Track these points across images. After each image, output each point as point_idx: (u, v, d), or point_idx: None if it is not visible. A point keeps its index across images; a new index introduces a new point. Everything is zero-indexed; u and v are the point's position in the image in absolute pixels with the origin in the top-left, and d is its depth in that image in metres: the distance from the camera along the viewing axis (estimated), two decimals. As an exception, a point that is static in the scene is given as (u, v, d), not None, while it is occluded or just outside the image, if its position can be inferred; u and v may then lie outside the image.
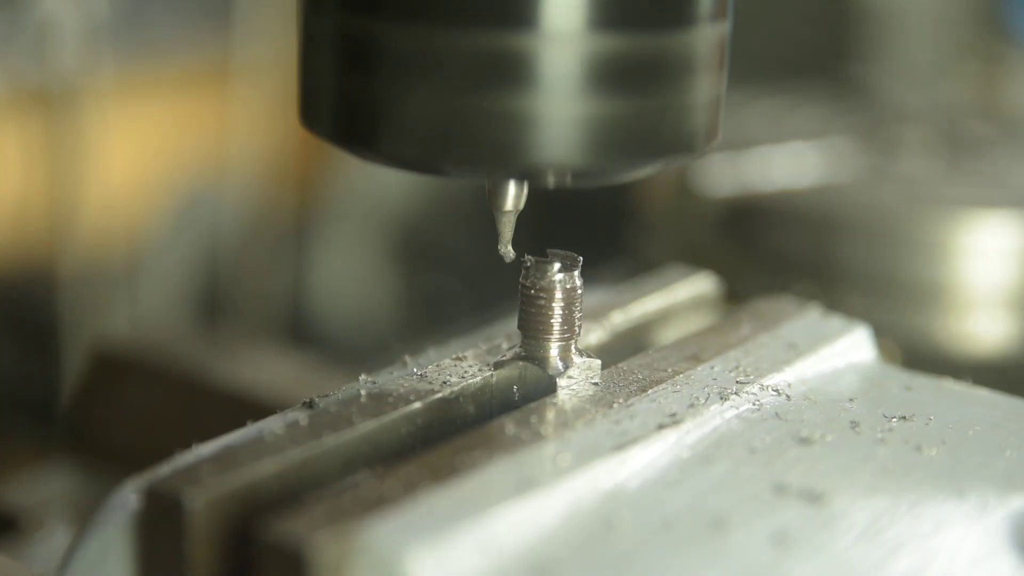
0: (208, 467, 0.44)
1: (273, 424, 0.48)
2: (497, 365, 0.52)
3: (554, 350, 0.52)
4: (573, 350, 0.52)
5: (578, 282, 0.52)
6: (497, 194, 0.50)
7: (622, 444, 0.47)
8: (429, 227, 1.77)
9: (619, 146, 0.48)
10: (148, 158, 1.56)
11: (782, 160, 0.91)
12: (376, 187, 1.75)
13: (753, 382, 0.53)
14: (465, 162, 0.48)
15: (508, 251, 0.51)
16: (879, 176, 0.93)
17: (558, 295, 0.51)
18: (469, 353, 0.54)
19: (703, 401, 0.51)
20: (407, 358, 0.54)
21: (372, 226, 1.77)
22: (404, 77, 0.47)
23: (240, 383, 0.75)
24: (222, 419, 0.74)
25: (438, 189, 1.75)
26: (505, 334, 0.56)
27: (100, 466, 0.76)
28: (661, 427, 0.49)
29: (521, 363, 0.52)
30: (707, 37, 0.49)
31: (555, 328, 0.51)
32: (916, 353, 0.83)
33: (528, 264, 0.52)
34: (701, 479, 0.47)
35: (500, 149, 0.47)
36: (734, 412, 0.51)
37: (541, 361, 0.52)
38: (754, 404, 0.52)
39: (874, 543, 0.44)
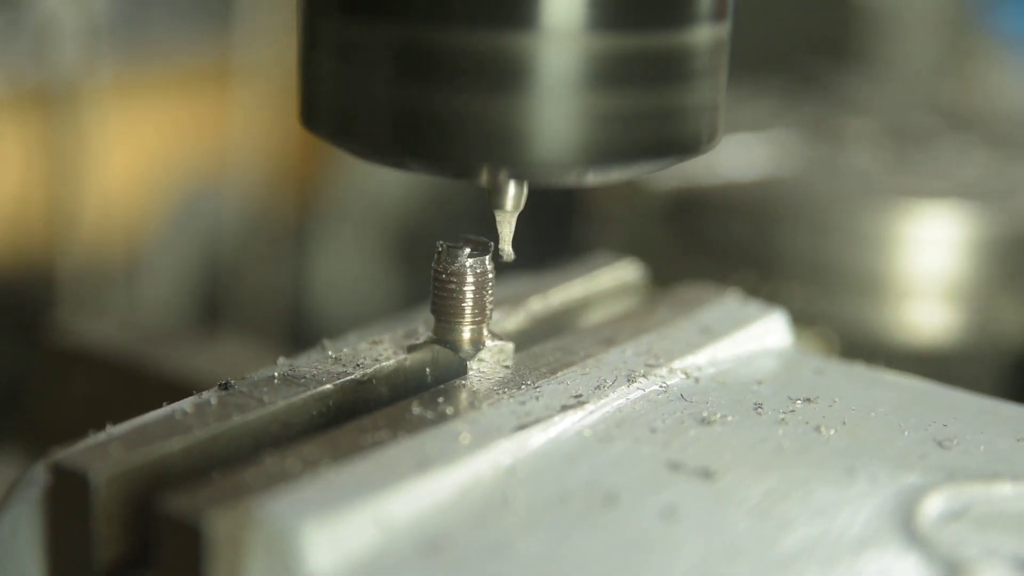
0: (116, 444, 0.46)
1: (184, 404, 0.49)
2: (410, 348, 0.54)
3: (466, 333, 0.53)
4: (485, 333, 0.53)
5: (489, 266, 0.53)
6: (497, 194, 0.51)
7: (524, 424, 0.48)
8: (429, 227, 1.77)
9: (619, 146, 0.48)
10: (148, 158, 1.57)
11: (729, 151, 0.93)
12: (376, 187, 1.75)
13: (663, 364, 0.54)
14: (464, 162, 0.48)
15: (508, 251, 0.52)
16: (824, 168, 0.94)
17: (469, 279, 0.52)
18: (385, 337, 0.55)
19: (610, 383, 0.52)
20: (325, 342, 0.55)
21: (372, 226, 1.78)
22: (403, 77, 0.47)
23: (186, 371, 0.77)
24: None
25: (438, 189, 1.75)
26: (423, 319, 0.57)
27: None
28: (565, 408, 0.50)
29: (434, 346, 0.53)
30: (707, 37, 0.49)
31: (466, 312, 0.53)
32: (856, 342, 0.85)
33: (440, 249, 0.53)
34: (599, 457, 0.48)
35: (500, 149, 0.47)
36: (640, 393, 0.52)
37: (453, 344, 0.53)
38: (661, 386, 0.53)
39: (764, 520, 0.45)
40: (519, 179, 0.50)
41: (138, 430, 0.47)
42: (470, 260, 0.52)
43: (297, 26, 0.51)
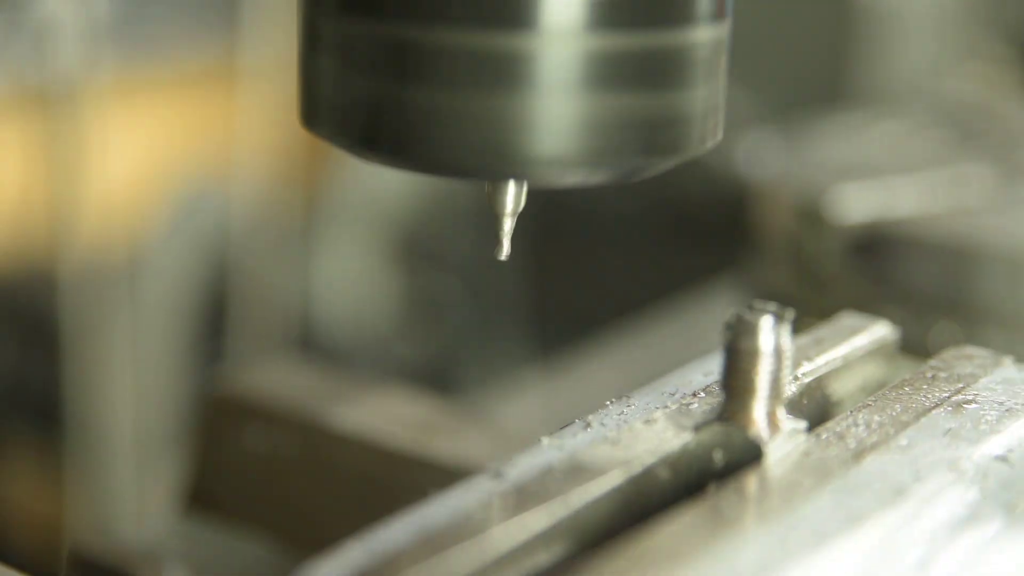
0: (412, 556, 0.40)
1: (466, 499, 0.44)
2: (696, 428, 0.48)
3: (759, 413, 0.48)
4: (779, 413, 0.48)
5: (788, 338, 0.47)
6: (497, 195, 0.50)
7: (852, 521, 0.43)
8: (432, 228, 1.76)
9: (619, 146, 0.47)
10: (149, 158, 1.55)
11: (911, 187, 0.87)
12: (379, 188, 1.75)
13: (971, 446, 0.49)
14: (464, 163, 0.47)
15: (506, 251, 0.51)
16: (1010, 202, 0.88)
17: (768, 355, 0.47)
18: (659, 414, 0.50)
19: (926, 471, 0.47)
20: (590, 418, 0.50)
21: (375, 227, 1.77)
22: (403, 78, 0.47)
23: (361, 427, 0.71)
24: (345, 466, 0.70)
25: (441, 190, 1.74)
26: (692, 390, 0.51)
27: (221, 515, 0.72)
28: (888, 502, 0.44)
29: (723, 427, 0.48)
30: (707, 37, 0.48)
31: (762, 390, 0.47)
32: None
33: (734, 318, 0.47)
34: (944, 563, 0.42)
35: (499, 150, 0.46)
36: (962, 486, 0.47)
37: (744, 424, 0.48)
38: (978, 473, 0.47)
39: None
40: (519, 179, 0.49)
41: (424, 541, 0.41)
42: (771, 334, 0.47)
43: (297, 26, 0.50)
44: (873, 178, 0.87)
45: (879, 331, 0.58)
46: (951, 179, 0.89)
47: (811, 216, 0.86)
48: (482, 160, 0.47)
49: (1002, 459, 0.49)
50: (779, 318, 0.47)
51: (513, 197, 0.50)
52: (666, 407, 0.50)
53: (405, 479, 0.68)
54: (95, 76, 1.38)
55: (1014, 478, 0.48)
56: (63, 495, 1.44)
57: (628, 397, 0.52)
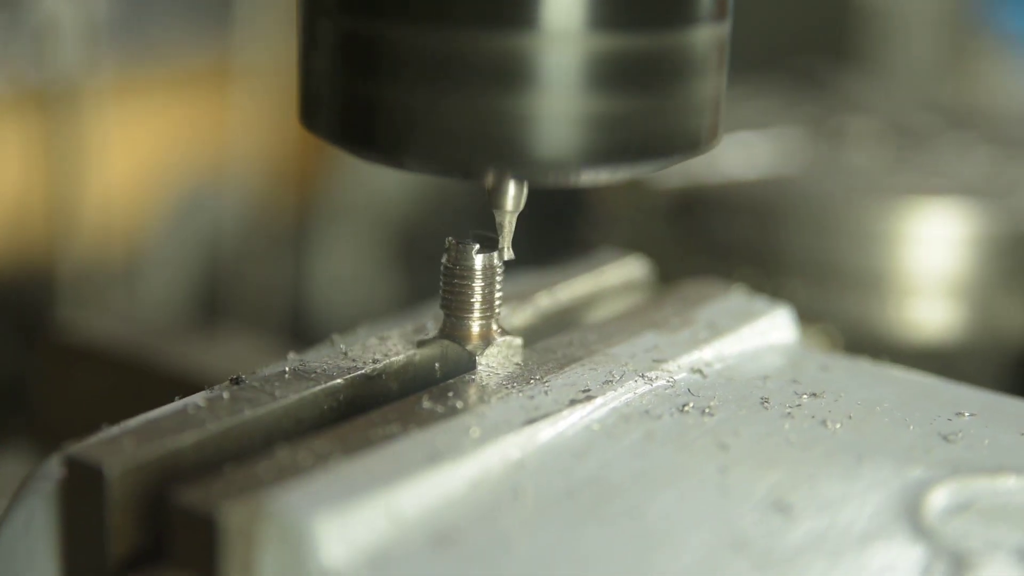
0: (130, 438, 0.46)
1: (196, 398, 0.49)
2: (420, 344, 0.54)
3: (475, 328, 0.53)
4: (494, 328, 0.54)
5: (497, 262, 0.53)
6: (497, 194, 0.51)
7: (533, 418, 0.49)
8: (428, 226, 1.77)
9: (619, 146, 0.48)
10: (148, 158, 1.57)
11: (731, 150, 0.93)
12: (376, 187, 1.75)
13: (669, 360, 0.54)
14: (464, 162, 0.48)
15: (508, 251, 0.53)
16: (826, 167, 0.94)
17: (478, 274, 0.53)
18: (394, 332, 0.55)
19: (618, 378, 0.52)
20: (335, 337, 0.56)
21: (371, 225, 1.78)
22: (403, 77, 0.47)
23: (189, 367, 0.77)
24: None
25: (438, 189, 1.75)
26: (432, 315, 0.57)
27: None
28: (573, 402, 0.50)
29: (443, 341, 0.54)
30: (708, 37, 0.49)
31: (475, 307, 0.53)
32: (859, 340, 0.85)
33: (449, 244, 0.53)
34: (606, 451, 0.48)
35: (499, 149, 0.47)
36: (647, 388, 0.52)
37: (462, 339, 0.53)
38: (668, 381, 0.53)
39: (770, 513, 0.46)
40: (519, 179, 0.51)
41: (151, 424, 0.47)
42: (480, 255, 0.53)
43: (296, 25, 0.51)
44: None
45: (631, 266, 0.64)
46: (768, 142, 0.94)
47: (634, 180, 0.91)
48: (482, 160, 0.48)
49: (696, 371, 0.55)
50: (488, 242, 0.53)
51: (513, 197, 0.51)
52: (404, 327, 0.56)
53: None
54: (94, 76, 1.38)
55: (701, 386, 0.53)
56: None
57: (377, 323, 0.58)
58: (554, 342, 0.55)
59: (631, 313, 0.59)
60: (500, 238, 0.52)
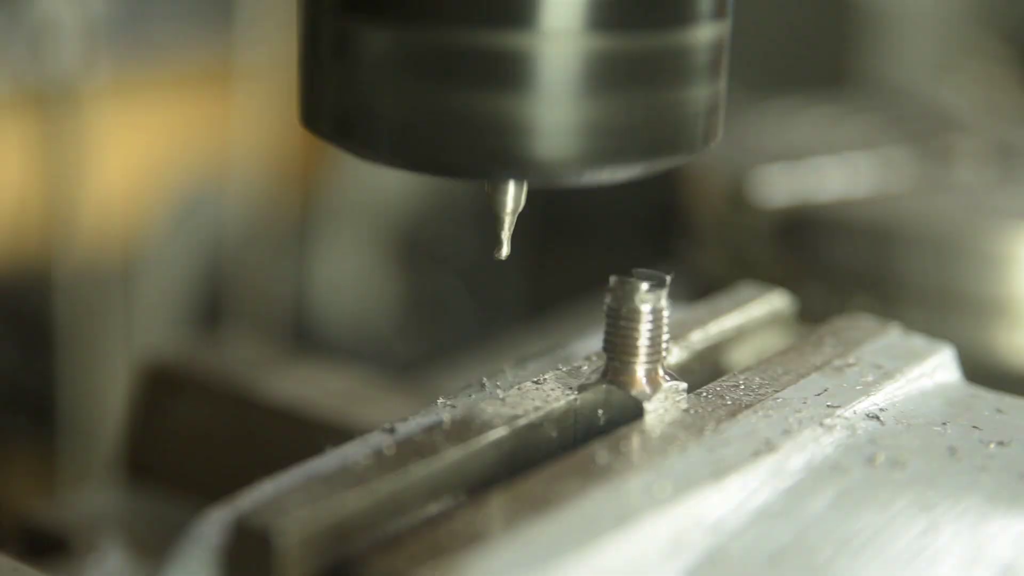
0: (297, 499, 0.43)
1: (357, 452, 0.46)
2: (581, 388, 0.51)
3: (640, 372, 0.50)
4: (660, 372, 0.50)
5: (665, 302, 0.50)
6: (497, 194, 0.50)
7: (719, 473, 0.46)
8: (432, 228, 1.77)
9: (619, 146, 0.47)
10: (147, 159, 1.56)
11: (837, 170, 0.90)
12: (377, 187, 1.75)
13: (844, 406, 0.51)
14: (463, 163, 0.47)
15: (506, 250, 0.51)
16: (935, 186, 0.91)
17: (647, 316, 0.49)
18: (549, 375, 0.52)
19: (796, 427, 0.49)
20: (485, 380, 0.52)
21: (373, 226, 1.77)
22: (403, 77, 0.46)
23: (291, 399, 0.74)
24: (274, 436, 0.73)
25: (439, 189, 1.74)
26: (585, 355, 0.54)
27: (152, 484, 0.74)
28: (756, 454, 0.47)
29: (606, 386, 0.50)
30: (706, 37, 0.48)
31: (642, 350, 0.50)
32: (977, 367, 0.81)
33: (613, 284, 0.50)
34: (803, 512, 0.45)
35: (497, 149, 0.46)
36: (829, 439, 0.49)
37: (627, 384, 0.50)
38: (847, 429, 0.50)
39: (978, 569, 0.42)
40: (519, 179, 0.49)
41: (315, 482, 0.44)
42: (649, 297, 0.49)
43: (297, 25, 0.50)
44: (797, 161, 0.89)
45: (775, 300, 0.61)
46: (875, 162, 0.91)
47: (736, 199, 0.88)
48: (482, 160, 0.47)
49: (873, 417, 0.51)
50: (657, 282, 0.50)
51: (513, 197, 0.50)
52: (557, 369, 0.53)
53: (329, 447, 0.70)
54: (93, 76, 1.38)
55: (882, 434, 0.50)
56: (59, 495, 1.45)
57: (524, 362, 0.54)
58: (720, 387, 0.52)
59: (790, 353, 0.56)
60: (498, 238, 0.51)
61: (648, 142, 0.48)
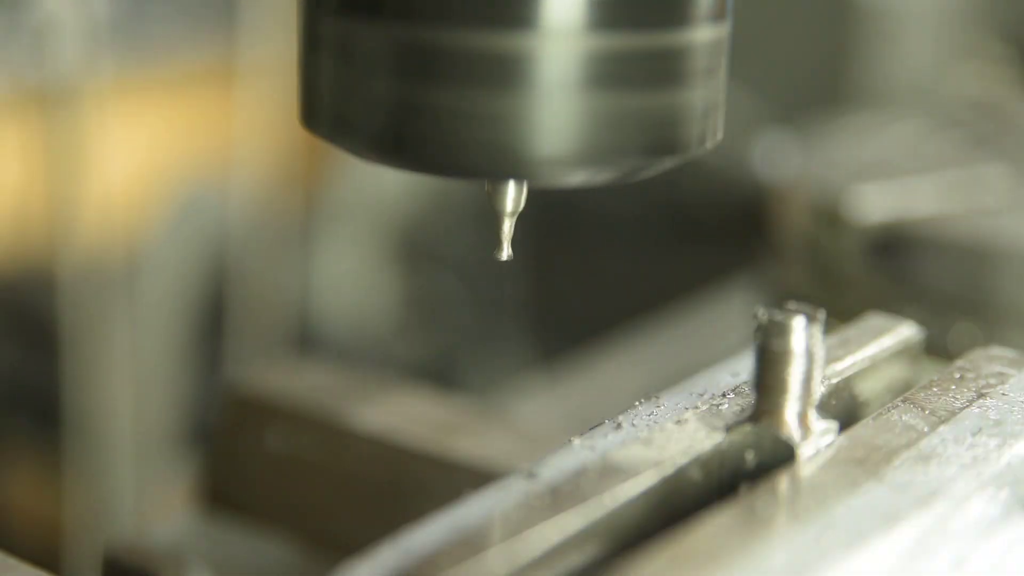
0: (450, 557, 0.40)
1: (503, 501, 0.44)
2: (728, 429, 0.48)
3: (791, 414, 0.48)
4: (812, 414, 0.48)
5: (819, 339, 0.47)
6: (497, 195, 0.50)
7: (892, 523, 0.43)
8: (432, 228, 1.76)
9: (618, 146, 0.47)
10: (149, 158, 1.56)
11: (930, 187, 0.87)
12: (379, 188, 1.75)
13: (1000, 447, 0.49)
14: (464, 163, 0.47)
15: (507, 252, 0.51)
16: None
17: (799, 357, 0.47)
18: (690, 415, 0.49)
19: (956, 470, 0.47)
20: (621, 419, 0.50)
21: (375, 227, 1.77)
22: (402, 77, 0.46)
23: (381, 427, 0.71)
24: (365, 466, 0.70)
25: (439, 189, 1.74)
26: (721, 391, 0.51)
27: (235, 514, 0.72)
28: (925, 502, 0.44)
29: (755, 427, 0.48)
30: (707, 37, 0.48)
31: (793, 391, 0.47)
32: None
33: (766, 319, 0.47)
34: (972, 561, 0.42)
35: (499, 150, 0.46)
36: (993, 487, 0.47)
37: (777, 425, 0.48)
38: (1007, 472, 0.47)
39: None
40: (519, 179, 0.49)
41: (464, 537, 0.41)
42: (803, 334, 0.47)
43: (297, 26, 0.50)
44: (890, 178, 0.86)
45: (905, 332, 0.58)
46: (968, 179, 0.89)
47: (829, 216, 0.86)
48: (482, 160, 0.47)
49: (1031, 458, 0.49)
50: (810, 319, 0.47)
51: (513, 197, 0.50)
52: (696, 407, 0.50)
53: (426, 479, 0.68)
54: (94, 76, 1.38)
55: (1049, 478, 0.48)
56: (62, 495, 1.44)
57: (657, 398, 0.52)
58: (869, 427, 0.50)
59: (934, 390, 0.53)
60: (499, 239, 0.50)
61: (647, 142, 0.48)
